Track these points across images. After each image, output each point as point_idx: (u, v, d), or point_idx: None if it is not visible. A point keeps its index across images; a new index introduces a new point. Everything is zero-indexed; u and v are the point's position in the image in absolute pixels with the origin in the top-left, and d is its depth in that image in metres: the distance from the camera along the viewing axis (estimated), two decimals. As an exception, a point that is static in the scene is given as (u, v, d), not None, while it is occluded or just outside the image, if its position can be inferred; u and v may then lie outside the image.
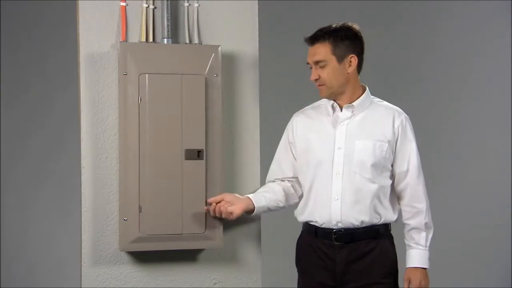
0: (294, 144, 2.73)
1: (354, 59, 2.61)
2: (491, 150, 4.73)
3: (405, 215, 2.66)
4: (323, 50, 2.59)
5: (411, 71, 4.74)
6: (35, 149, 4.52)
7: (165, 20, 2.80)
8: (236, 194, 2.73)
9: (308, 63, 2.64)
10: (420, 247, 2.63)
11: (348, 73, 2.61)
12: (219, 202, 2.66)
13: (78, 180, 2.76)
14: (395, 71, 4.70)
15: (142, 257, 2.83)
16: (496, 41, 4.78)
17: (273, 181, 2.79)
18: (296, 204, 2.77)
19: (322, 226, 2.63)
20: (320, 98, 2.73)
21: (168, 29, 2.80)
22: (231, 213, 2.63)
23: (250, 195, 2.72)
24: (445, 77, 4.76)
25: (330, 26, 2.62)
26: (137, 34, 2.82)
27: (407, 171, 2.62)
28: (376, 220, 2.60)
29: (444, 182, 4.59)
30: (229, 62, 2.91)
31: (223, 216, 2.65)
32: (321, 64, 2.59)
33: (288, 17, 4.58)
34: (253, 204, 2.68)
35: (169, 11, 2.81)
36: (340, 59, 2.59)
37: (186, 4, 2.88)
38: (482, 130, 4.73)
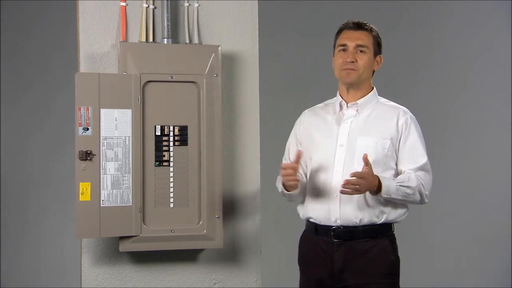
0: (300, 141, 2.73)
1: (380, 61, 2.67)
2: (491, 150, 4.72)
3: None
4: (367, 38, 2.62)
5: (410, 71, 4.73)
6: (35, 149, 4.51)
7: (165, 20, 2.81)
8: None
9: (343, 45, 2.62)
10: (396, 179, 2.53)
11: (373, 70, 2.66)
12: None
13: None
14: (395, 70, 4.70)
15: (142, 257, 2.83)
16: (496, 41, 4.77)
17: None
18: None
19: (322, 224, 2.62)
20: (326, 97, 2.72)
21: (168, 29, 2.81)
22: None
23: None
24: (445, 76, 4.76)
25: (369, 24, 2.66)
26: (137, 34, 2.82)
27: (413, 169, 2.57)
28: (376, 219, 2.58)
29: (444, 182, 4.58)
30: (229, 62, 2.91)
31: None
32: (362, 48, 2.60)
33: (288, 17, 4.58)
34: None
35: (169, 11, 2.81)
36: (375, 54, 2.64)
37: (186, 4, 2.88)
38: (482, 130, 4.72)
